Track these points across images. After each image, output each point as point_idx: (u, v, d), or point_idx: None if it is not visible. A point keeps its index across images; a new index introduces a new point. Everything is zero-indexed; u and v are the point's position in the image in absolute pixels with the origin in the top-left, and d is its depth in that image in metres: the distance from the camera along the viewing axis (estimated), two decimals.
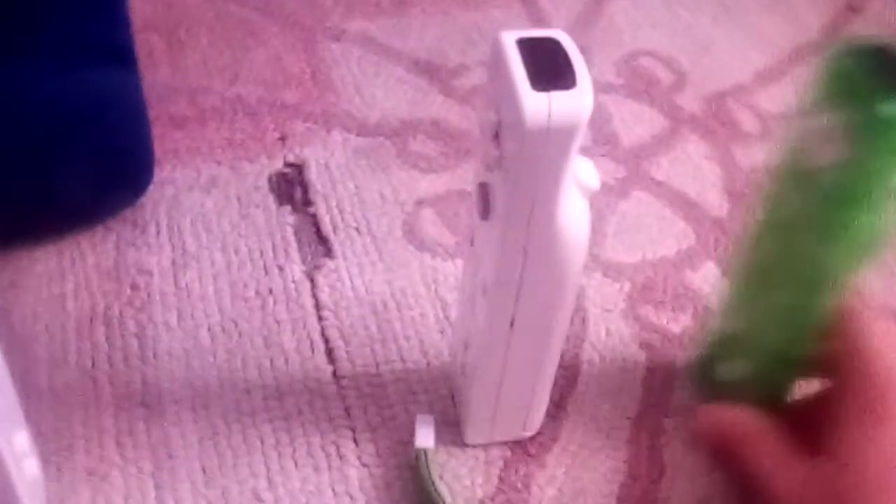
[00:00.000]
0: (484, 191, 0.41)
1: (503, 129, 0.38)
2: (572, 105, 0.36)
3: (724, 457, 0.48)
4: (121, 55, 0.57)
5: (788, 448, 0.45)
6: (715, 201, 0.66)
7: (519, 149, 0.36)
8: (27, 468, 0.43)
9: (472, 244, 0.46)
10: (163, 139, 0.65)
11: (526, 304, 0.43)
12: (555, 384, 0.52)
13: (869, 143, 0.42)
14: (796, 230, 0.46)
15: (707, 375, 0.54)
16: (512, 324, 0.44)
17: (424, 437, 0.50)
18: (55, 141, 0.54)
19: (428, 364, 0.56)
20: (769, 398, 0.49)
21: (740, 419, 0.47)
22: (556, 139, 0.36)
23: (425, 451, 0.50)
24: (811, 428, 0.45)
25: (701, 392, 0.54)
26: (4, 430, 0.40)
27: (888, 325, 0.46)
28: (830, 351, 0.46)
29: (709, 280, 0.61)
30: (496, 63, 0.38)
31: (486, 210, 0.41)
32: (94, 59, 0.55)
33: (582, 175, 0.40)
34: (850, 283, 0.46)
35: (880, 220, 0.44)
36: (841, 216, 0.44)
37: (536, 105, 0.35)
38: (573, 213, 0.40)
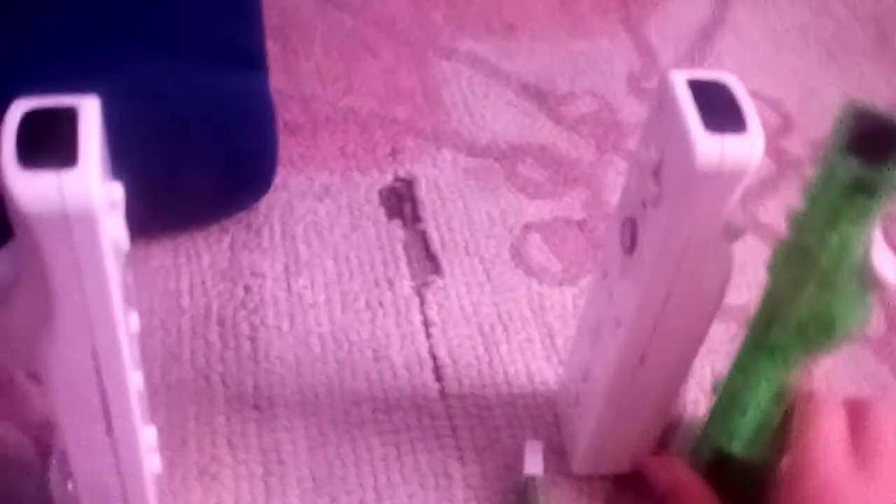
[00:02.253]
0: (632, 225, 0.41)
1: (666, 167, 0.38)
2: (744, 149, 0.36)
3: None
4: (254, 60, 0.57)
5: None
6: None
7: (684, 189, 0.37)
8: (153, 463, 0.43)
9: (604, 276, 0.46)
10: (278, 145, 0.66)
11: (659, 342, 0.43)
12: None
13: (828, 205, 0.41)
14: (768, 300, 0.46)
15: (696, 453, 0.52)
16: (642, 359, 0.44)
17: (534, 463, 0.50)
18: (186, 139, 0.55)
19: (533, 390, 0.56)
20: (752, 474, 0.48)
21: (684, 478, 0.48)
22: (724, 183, 0.36)
23: (534, 479, 0.50)
24: None
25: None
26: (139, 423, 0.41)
27: (835, 421, 0.45)
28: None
29: None
30: (664, 101, 0.38)
31: (632, 245, 0.41)
32: (229, 62, 0.56)
33: (732, 219, 0.40)
34: (805, 365, 0.45)
35: (842, 300, 0.43)
36: (790, 289, 0.44)
37: (709, 148, 0.35)
38: (721, 257, 0.40)
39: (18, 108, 0.33)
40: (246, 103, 0.56)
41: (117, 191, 0.34)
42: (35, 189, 0.31)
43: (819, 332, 0.44)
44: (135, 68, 0.55)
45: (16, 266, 0.34)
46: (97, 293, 0.33)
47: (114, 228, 0.33)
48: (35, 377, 0.38)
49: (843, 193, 0.41)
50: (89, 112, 0.33)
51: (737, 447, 0.48)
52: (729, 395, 0.47)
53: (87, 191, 0.31)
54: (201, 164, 0.56)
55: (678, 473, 0.49)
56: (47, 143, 0.32)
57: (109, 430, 0.38)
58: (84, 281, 0.33)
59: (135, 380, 0.37)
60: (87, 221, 0.31)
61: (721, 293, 0.42)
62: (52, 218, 0.31)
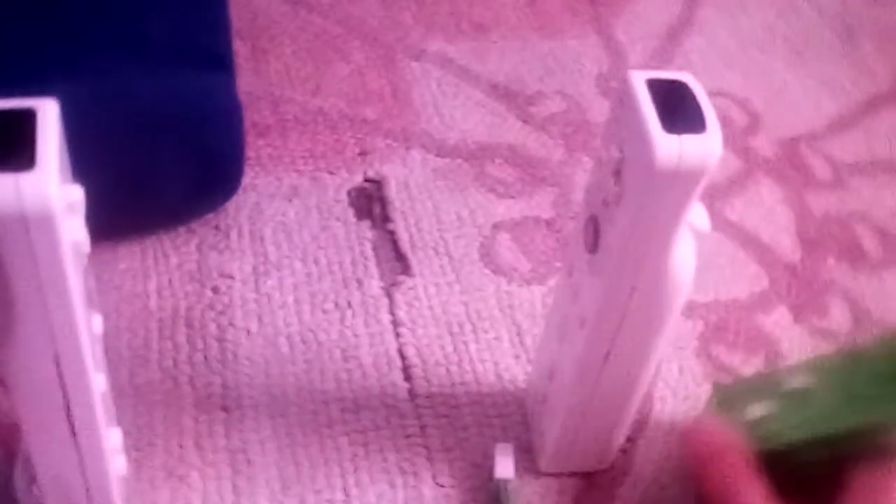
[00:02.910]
0: (594, 224, 0.41)
1: (626, 167, 0.38)
2: (703, 149, 0.37)
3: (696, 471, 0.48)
4: (221, 61, 0.57)
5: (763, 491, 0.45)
6: (787, 246, 0.67)
7: (644, 188, 0.37)
8: (118, 465, 0.43)
9: (570, 275, 0.46)
10: (245, 146, 0.65)
11: (624, 339, 0.43)
12: None
13: None
14: None
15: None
16: (607, 356, 0.44)
17: (505, 467, 0.50)
18: (153, 140, 0.55)
19: (503, 388, 0.56)
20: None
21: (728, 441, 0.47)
22: (683, 182, 0.37)
23: (506, 482, 0.50)
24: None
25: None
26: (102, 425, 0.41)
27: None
28: None
29: (780, 325, 0.62)
30: (624, 101, 0.38)
31: (595, 244, 0.42)
32: (196, 64, 0.56)
33: (694, 217, 0.41)
34: None
35: None
36: None
37: (668, 147, 0.36)
38: (684, 255, 0.41)
39: None
40: (213, 105, 0.56)
41: (76, 193, 0.34)
42: None
43: None
44: (101, 70, 0.55)
45: None
46: (57, 296, 0.33)
47: (73, 230, 0.33)
48: None
49: None
50: (48, 114, 0.33)
51: None
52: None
53: (44, 193, 0.31)
54: (169, 166, 0.56)
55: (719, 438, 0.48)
56: (5, 145, 0.32)
57: (73, 432, 0.38)
58: (44, 284, 0.33)
59: (98, 382, 0.37)
60: (45, 223, 0.31)
61: (687, 289, 0.42)
62: (10, 220, 0.31)
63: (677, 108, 0.38)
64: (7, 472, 0.49)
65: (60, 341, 0.35)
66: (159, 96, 0.55)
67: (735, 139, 0.74)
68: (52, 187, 0.31)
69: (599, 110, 0.74)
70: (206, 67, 0.57)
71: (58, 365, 0.35)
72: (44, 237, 0.31)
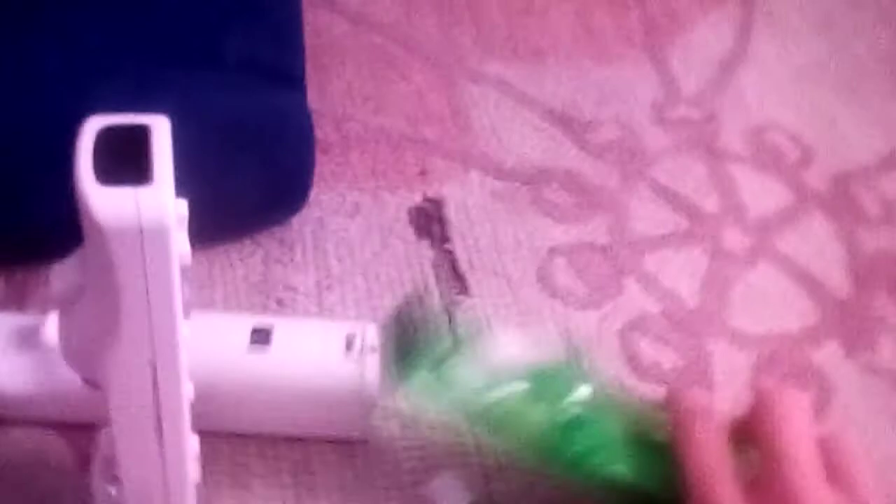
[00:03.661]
0: None
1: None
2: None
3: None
4: (294, 80, 0.59)
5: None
6: (839, 282, 0.67)
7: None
8: (194, 471, 0.44)
9: None
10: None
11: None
12: None
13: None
14: None
15: None
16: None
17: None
18: (228, 156, 0.56)
19: None
20: None
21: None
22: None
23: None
24: None
25: None
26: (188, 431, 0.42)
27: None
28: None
29: (831, 360, 0.62)
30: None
31: None
32: (271, 82, 0.58)
33: None
34: None
35: None
36: None
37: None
38: None
39: (93, 126, 0.34)
40: (287, 122, 0.58)
41: (184, 207, 0.35)
42: (113, 204, 0.32)
43: None
44: (180, 86, 0.56)
45: (82, 276, 0.36)
46: (161, 305, 0.34)
47: (180, 243, 0.34)
48: (91, 383, 0.39)
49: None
50: (161, 130, 0.35)
51: None
52: None
53: (162, 207, 0.32)
54: (240, 181, 0.57)
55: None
56: (123, 160, 0.33)
57: (160, 437, 0.39)
58: (151, 293, 0.34)
59: (188, 389, 0.39)
60: (160, 236, 0.32)
61: None
62: (128, 232, 0.32)
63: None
64: (80, 473, 0.50)
65: (159, 348, 0.36)
66: (234, 112, 0.57)
67: (787, 172, 0.75)
68: (168, 202, 0.32)
69: (654, 139, 0.75)
70: (281, 85, 0.58)
71: (154, 370, 0.37)
72: (156, 249, 0.33)
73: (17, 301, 0.58)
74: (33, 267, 0.59)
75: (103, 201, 0.32)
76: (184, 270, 0.35)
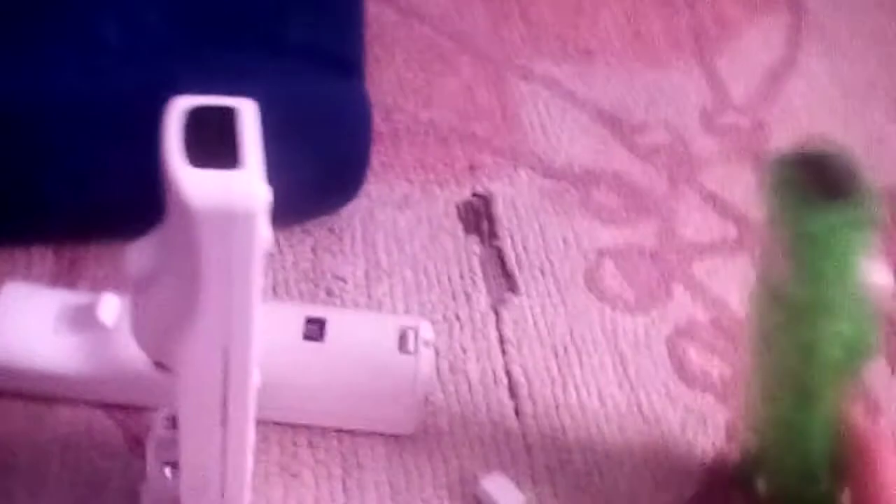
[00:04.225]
0: None
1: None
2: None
3: None
4: (355, 68, 0.58)
5: None
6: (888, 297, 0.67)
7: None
8: (251, 458, 0.44)
9: None
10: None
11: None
12: None
13: (810, 255, 0.43)
14: (777, 345, 0.47)
15: (749, 486, 0.53)
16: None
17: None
18: (288, 142, 0.55)
19: (606, 414, 0.57)
20: None
21: None
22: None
23: None
24: None
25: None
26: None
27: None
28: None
29: (878, 377, 0.62)
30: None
31: None
32: (332, 69, 0.57)
33: None
34: (842, 395, 0.46)
35: (854, 327, 0.44)
36: (808, 329, 0.44)
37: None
38: None
39: (179, 106, 0.34)
40: (346, 110, 0.57)
41: (268, 192, 0.34)
42: (203, 187, 0.31)
43: (847, 360, 0.45)
44: (238, 70, 0.56)
45: (159, 258, 0.35)
46: (242, 290, 0.34)
47: (264, 228, 0.34)
48: (161, 366, 0.39)
49: (822, 243, 0.42)
50: (249, 114, 0.34)
51: (795, 483, 0.49)
52: (781, 436, 0.48)
53: (252, 191, 0.32)
54: (297, 167, 0.56)
55: None
56: (213, 142, 0.32)
57: (225, 422, 0.39)
58: (233, 277, 0.33)
59: (256, 377, 0.38)
60: (249, 220, 0.32)
61: None
62: (217, 215, 0.32)
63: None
64: (128, 454, 0.50)
65: (234, 334, 0.35)
66: (293, 98, 0.56)
67: None
68: (258, 186, 0.32)
69: (703, 145, 0.75)
70: (340, 72, 0.58)
71: (226, 356, 0.36)
72: (244, 233, 0.32)
73: (66, 278, 0.58)
74: (83, 243, 0.59)
75: (194, 183, 0.31)
76: (264, 256, 0.35)
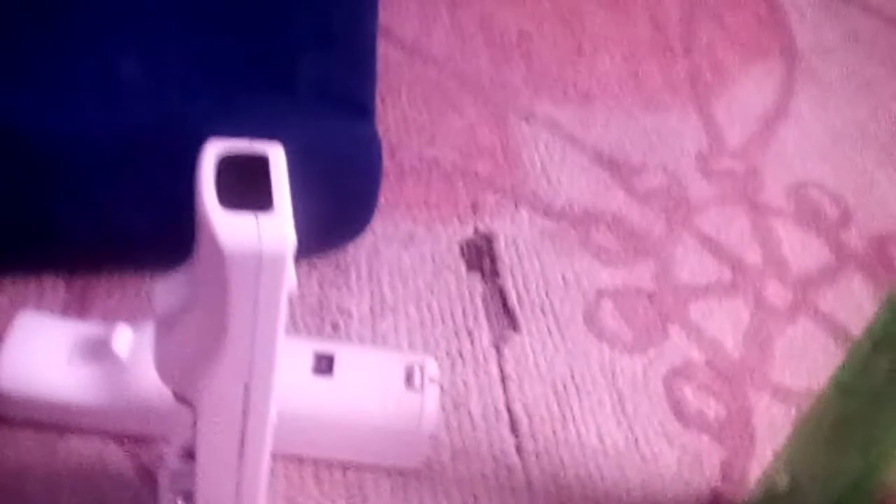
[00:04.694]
0: None
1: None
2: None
3: None
4: (366, 109, 0.60)
5: None
6: None
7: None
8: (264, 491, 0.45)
9: None
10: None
11: None
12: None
13: None
14: (877, 399, 0.47)
15: None
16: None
17: None
18: (297, 179, 0.57)
19: (604, 451, 0.58)
20: None
21: None
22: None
23: None
24: None
25: None
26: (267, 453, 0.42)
27: None
28: None
29: None
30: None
31: None
32: (343, 110, 0.59)
33: None
34: None
35: None
36: None
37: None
38: None
39: (213, 150, 0.35)
40: (357, 150, 0.59)
41: (294, 234, 0.36)
42: (235, 229, 0.33)
43: None
44: (253, 108, 0.57)
45: (187, 295, 0.36)
46: (267, 329, 0.35)
47: (291, 270, 0.35)
48: (183, 399, 0.40)
49: None
50: (278, 158, 0.36)
51: None
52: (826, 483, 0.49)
53: (282, 234, 0.33)
54: (306, 204, 0.58)
55: None
56: (244, 186, 0.34)
57: (241, 455, 0.40)
58: (259, 317, 0.35)
59: (273, 412, 0.39)
60: (278, 262, 0.33)
61: None
62: (248, 257, 0.33)
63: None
64: (139, 484, 0.51)
65: (256, 371, 0.37)
66: (306, 138, 0.57)
67: (827, 231, 0.76)
68: (288, 229, 0.33)
69: (699, 189, 0.76)
70: (352, 113, 0.59)
71: (247, 393, 0.37)
72: (272, 275, 0.34)
73: (78, 307, 0.59)
74: (94, 274, 0.60)
75: (226, 226, 0.33)
76: (289, 297, 0.36)
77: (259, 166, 0.35)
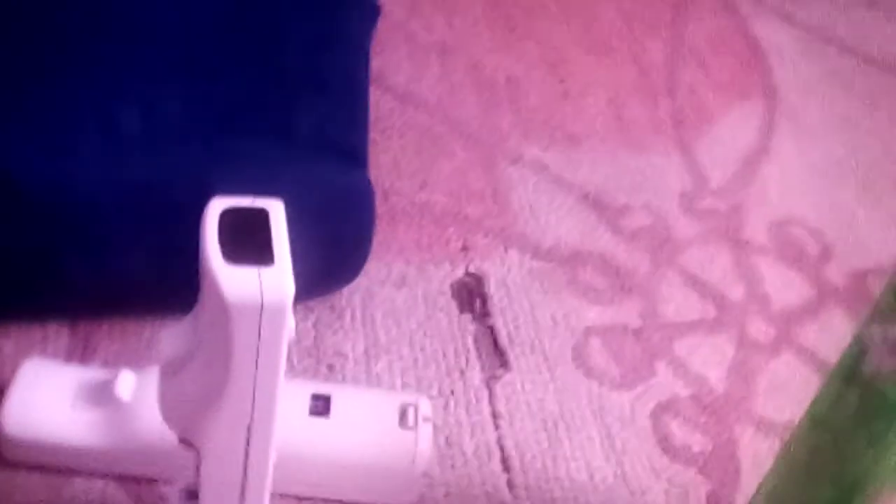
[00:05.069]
0: None
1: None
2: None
3: None
4: (359, 157, 0.62)
5: None
6: None
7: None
8: None
9: None
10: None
11: None
12: None
13: None
14: (848, 431, 0.48)
15: None
16: None
17: None
18: (292, 226, 0.59)
19: (594, 487, 0.60)
20: None
21: None
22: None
23: None
24: None
25: None
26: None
27: None
28: None
29: None
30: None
31: None
32: (337, 157, 0.61)
33: None
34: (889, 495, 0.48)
35: None
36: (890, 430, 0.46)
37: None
38: None
39: (217, 207, 0.37)
40: (352, 197, 0.61)
41: (294, 285, 0.38)
42: (238, 282, 0.35)
43: None
44: (250, 157, 0.59)
45: (191, 342, 0.38)
46: (268, 376, 0.37)
47: (290, 319, 0.37)
48: (186, 442, 0.41)
49: None
50: (278, 213, 0.38)
51: None
52: None
53: (282, 286, 0.35)
54: (300, 250, 0.60)
55: None
56: (246, 240, 0.36)
57: (242, 496, 0.42)
58: (260, 364, 0.37)
59: (273, 454, 0.41)
60: (278, 313, 0.35)
61: None
62: (250, 309, 0.35)
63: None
64: None
65: (258, 415, 0.38)
66: (300, 185, 0.60)
67: (809, 268, 0.79)
68: (288, 282, 0.35)
69: (682, 228, 0.79)
70: (346, 161, 0.61)
71: (249, 435, 0.39)
72: (272, 325, 0.36)
73: (81, 353, 0.60)
74: (97, 320, 0.62)
75: (230, 279, 0.35)
76: (289, 344, 0.38)
77: (260, 220, 0.37)
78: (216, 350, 0.37)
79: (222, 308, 0.35)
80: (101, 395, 0.53)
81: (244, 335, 0.35)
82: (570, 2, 1.01)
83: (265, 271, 0.35)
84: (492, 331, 0.67)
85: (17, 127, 0.59)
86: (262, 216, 0.37)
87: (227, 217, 0.37)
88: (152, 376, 0.42)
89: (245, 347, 0.36)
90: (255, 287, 0.35)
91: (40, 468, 0.54)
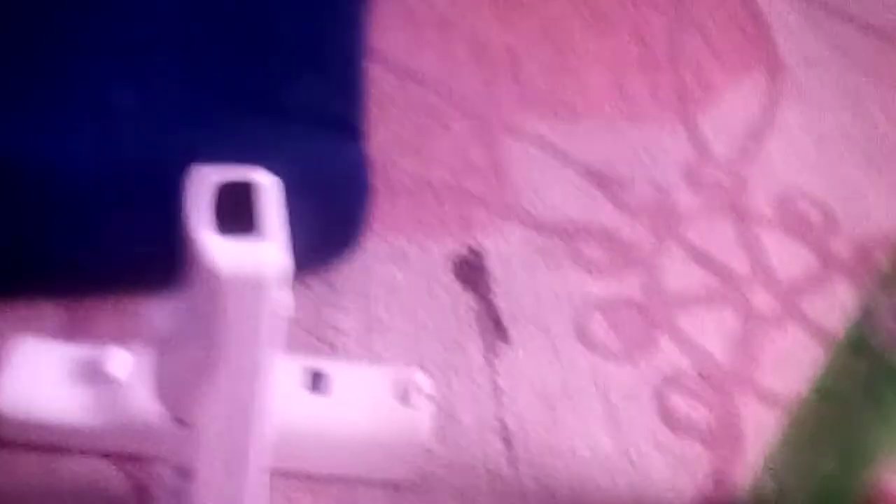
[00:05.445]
0: None
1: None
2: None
3: None
4: (356, 131, 0.61)
5: None
6: None
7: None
8: None
9: None
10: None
11: None
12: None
13: None
14: (855, 402, 0.48)
15: None
16: None
17: None
18: (290, 199, 0.58)
19: (598, 463, 0.59)
20: None
21: None
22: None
23: None
24: None
25: None
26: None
27: None
28: None
29: None
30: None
31: None
32: (332, 131, 0.60)
33: None
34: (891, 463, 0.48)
35: None
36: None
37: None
38: None
39: (203, 177, 0.36)
40: (349, 171, 0.60)
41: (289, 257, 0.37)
42: (230, 255, 0.34)
43: None
44: (246, 132, 0.58)
45: (182, 319, 0.38)
46: (261, 350, 0.36)
47: (286, 293, 0.36)
48: (181, 421, 0.41)
49: None
50: (271, 185, 0.37)
51: None
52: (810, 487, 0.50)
53: (277, 259, 0.34)
54: (296, 224, 0.59)
55: None
56: (238, 212, 0.35)
57: (238, 474, 0.41)
58: (253, 339, 0.36)
59: (270, 432, 0.40)
60: (272, 285, 0.35)
61: None
62: (244, 282, 0.34)
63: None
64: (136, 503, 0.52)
65: (252, 391, 0.38)
66: (296, 160, 0.58)
67: (814, 239, 0.78)
68: (282, 254, 0.35)
69: (686, 201, 0.78)
70: (342, 135, 0.61)
71: (244, 412, 0.38)
72: (266, 299, 0.35)
73: (73, 332, 0.60)
74: (89, 299, 0.61)
75: (221, 251, 0.34)
76: (284, 316, 0.37)
77: (252, 193, 0.36)
78: (208, 326, 0.36)
79: (213, 282, 0.34)
80: (95, 373, 0.52)
81: (237, 310, 0.35)
82: None
83: (258, 242, 0.34)
84: (493, 306, 0.66)
85: (9, 104, 0.58)
86: (254, 187, 0.36)
87: (217, 188, 0.36)
88: (146, 355, 0.42)
89: (238, 323, 0.35)
90: (248, 259, 0.34)
91: (33, 446, 0.53)
